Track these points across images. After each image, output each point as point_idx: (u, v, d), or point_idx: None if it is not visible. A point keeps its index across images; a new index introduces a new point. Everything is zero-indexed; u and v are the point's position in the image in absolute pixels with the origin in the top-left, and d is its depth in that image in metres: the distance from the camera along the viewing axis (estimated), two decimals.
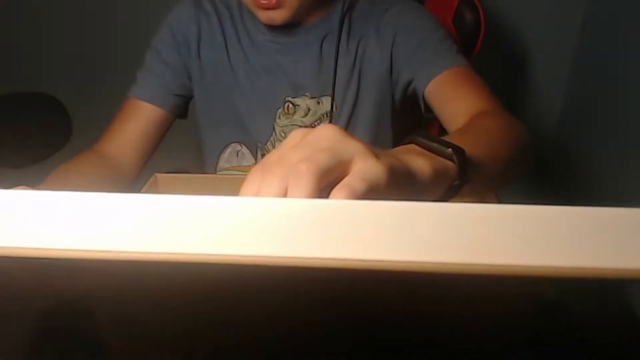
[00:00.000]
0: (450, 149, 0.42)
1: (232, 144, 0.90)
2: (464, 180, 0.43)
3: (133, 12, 1.42)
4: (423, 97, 0.79)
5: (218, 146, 0.91)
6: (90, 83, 1.52)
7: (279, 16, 0.75)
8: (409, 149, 0.41)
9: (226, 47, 0.84)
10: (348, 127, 0.86)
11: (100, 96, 1.52)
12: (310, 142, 0.34)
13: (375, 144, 0.60)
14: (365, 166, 0.33)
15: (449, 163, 0.41)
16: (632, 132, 1.12)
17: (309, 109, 0.84)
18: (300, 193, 0.32)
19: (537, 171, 1.54)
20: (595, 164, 1.28)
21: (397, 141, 0.94)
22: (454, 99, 0.74)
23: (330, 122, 0.84)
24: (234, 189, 0.70)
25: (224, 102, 0.86)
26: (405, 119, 0.94)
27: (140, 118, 0.83)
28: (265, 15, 0.75)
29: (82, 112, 1.31)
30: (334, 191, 0.32)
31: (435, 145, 0.42)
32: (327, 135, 0.34)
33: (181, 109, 0.88)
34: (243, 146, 0.90)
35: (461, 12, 0.95)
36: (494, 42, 1.32)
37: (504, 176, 0.56)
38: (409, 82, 0.82)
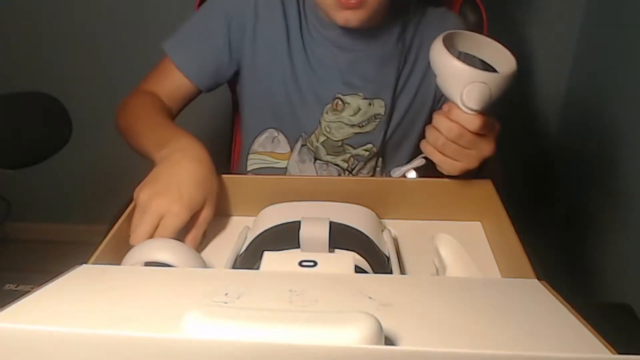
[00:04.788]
0: None
1: (270, 129, 0.89)
2: None
3: (134, 13, 1.42)
4: None
5: (256, 129, 0.91)
6: (90, 83, 1.52)
7: (355, 18, 0.74)
8: None
9: (287, 34, 0.83)
10: (395, 133, 0.87)
11: (100, 96, 1.52)
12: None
13: (414, 152, 0.79)
14: None
15: None
16: (633, 131, 1.12)
17: (359, 109, 0.85)
18: None
19: (537, 168, 1.54)
20: (595, 162, 1.28)
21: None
22: None
23: (379, 124, 0.86)
24: (232, 188, 0.69)
25: (272, 88, 0.86)
26: None
27: (172, 82, 0.84)
28: (342, 17, 0.74)
29: (82, 112, 1.31)
30: None
31: None
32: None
33: (210, 89, 0.87)
34: (280, 133, 0.89)
35: (464, 13, 0.95)
36: None
37: None
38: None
